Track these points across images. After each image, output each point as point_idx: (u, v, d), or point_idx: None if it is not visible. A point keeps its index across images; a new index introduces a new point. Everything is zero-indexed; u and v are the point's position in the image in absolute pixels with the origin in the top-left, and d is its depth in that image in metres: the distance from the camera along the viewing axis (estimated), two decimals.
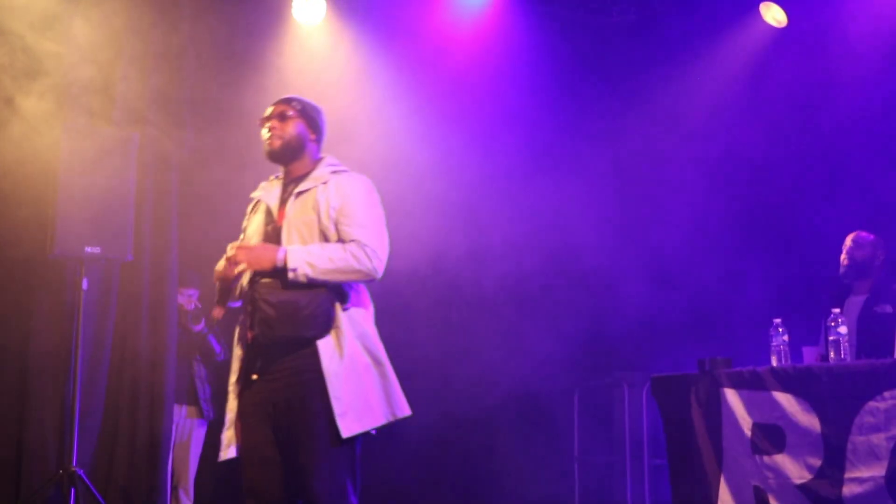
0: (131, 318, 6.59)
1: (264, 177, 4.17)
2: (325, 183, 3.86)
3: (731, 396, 5.45)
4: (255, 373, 3.79)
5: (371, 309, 3.91)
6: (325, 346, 3.69)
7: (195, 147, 6.95)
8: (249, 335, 3.77)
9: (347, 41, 7.77)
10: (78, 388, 5.96)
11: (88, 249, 5.92)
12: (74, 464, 5.81)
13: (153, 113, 6.70)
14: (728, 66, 8.41)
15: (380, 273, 3.77)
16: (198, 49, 6.97)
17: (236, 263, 3.75)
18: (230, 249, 3.79)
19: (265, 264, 3.73)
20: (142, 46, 6.69)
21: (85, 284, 6.02)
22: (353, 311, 3.78)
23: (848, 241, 6.37)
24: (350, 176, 3.92)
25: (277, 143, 3.94)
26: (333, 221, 3.80)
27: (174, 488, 6.90)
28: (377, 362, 3.80)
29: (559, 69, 8.61)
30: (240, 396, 3.87)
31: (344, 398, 3.66)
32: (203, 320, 6.99)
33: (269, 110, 4.01)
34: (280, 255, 3.71)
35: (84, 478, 5.77)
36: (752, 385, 5.34)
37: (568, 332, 8.30)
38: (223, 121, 7.10)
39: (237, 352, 3.93)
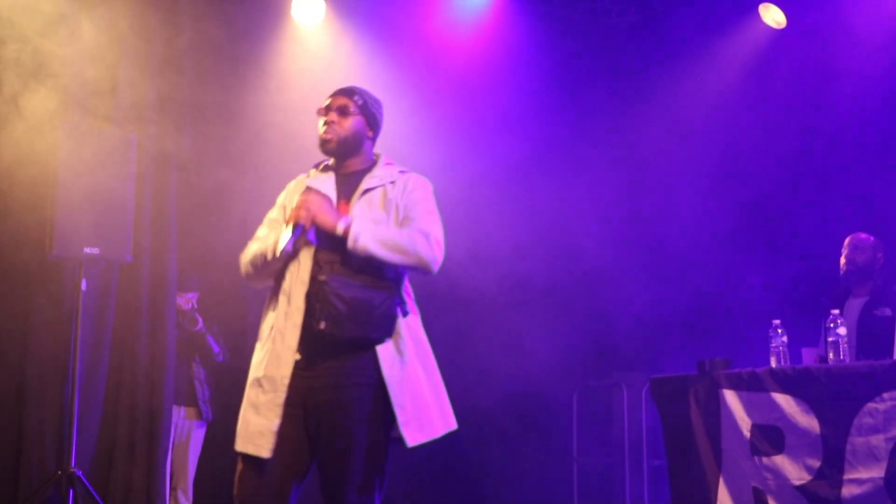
0: (130, 319, 6.61)
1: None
2: (392, 182, 3.76)
3: (731, 398, 5.46)
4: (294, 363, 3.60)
5: (419, 312, 3.79)
6: (386, 351, 3.56)
7: (195, 149, 6.98)
8: (319, 326, 3.50)
9: (347, 42, 7.79)
10: (76, 389, 5.98)
11: (87, 250, 5.94)
12: (73, 465, 5.83)
13: (153, 114, 6.73)
14: (727, 67, 8.44)
15: (437, 265, 3.63)
16: (198, 51, 6.98)
17: (304, 209, 3.57)
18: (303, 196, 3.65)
19: (329, 220, 3.56)
20: (142, 48, 6.70)
21: (84, 285, 6.04)
22: (409, 317, 3.67)
23: (847, 243, 6.39)
24: (415, 176, 3.82)
25: (333, 140, 3.80)
26: (401, 222, 3.71)
27: (173, 489, 6.93)
28: (432, 371, 3.70)
29: (559, 70, 8.64)
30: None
31: (407, 407, 3.53)
32: (200, 321, 7.02)
33: (328, 101, 3.86)
34: (345, 220, 3.56)
35: (83, 479, 5.80)
36: (751, 386, 5.35)
37: (566, 333, 8.31)
38: (224, 123, 7.14)
39: (271, 342, 3.65)
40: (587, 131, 8.75)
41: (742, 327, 7.75)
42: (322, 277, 3.54)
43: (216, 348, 7.08)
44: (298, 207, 3.58)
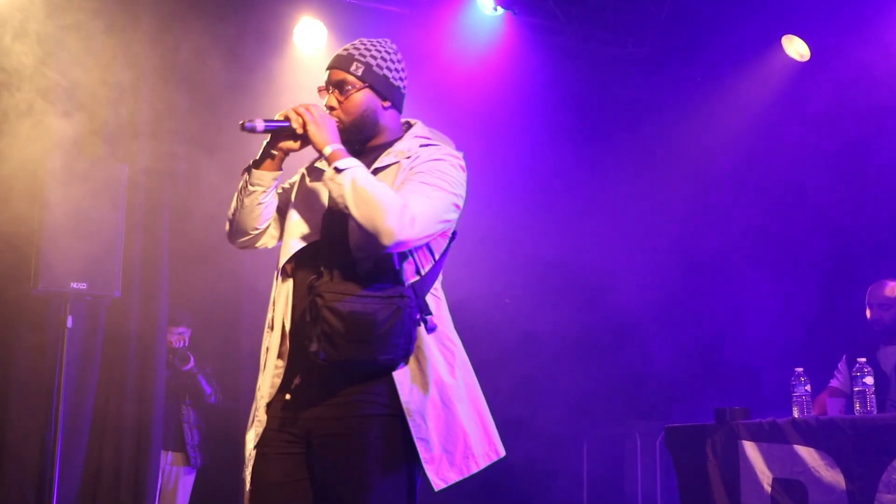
0: (118, 358, 6.56)
1: None
2: (409, 157, 3.14)
3: (750, 449, 5.41)
4: (289, 392, 3.11)
5: (451, 322, 3.23)
6: (404, 374, 3.02)
7: (190, 180, 6.95)
8: (312, 348, 2.94)
9: None
10: (59, 431, 5.90)
11: (74, 285, 5.89)
12: None
13: (146, 144, 6.71)
14: (748, 102, 8.41)
15: (392, 241, 2.89)
16: (194, 80, 7.00)
17: (303, 111, 3.06)
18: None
19: (321, 134, 3.02)
20: (136, 77, 6.71)
21: (70, 322, 5.99)
22: (438, 328, 3.11)
23: (872, 296, 6.28)
24: (440, 149, 3.18)
25: (339, 125, 3.16)
26: None
27: None
28: (471, 391, 3.16)
29: (570, 103, 8.62)
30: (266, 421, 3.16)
31: (433, 440, 3.01)
32: (192, 359, 6.96)
33: (326, 73, 3.27)
34: (336, 145, 3.02)
35: None
36: (772, 437, 5.31)
37: (576, 379, 8.27)
38: (220, 153, 7.11)
39: (271, 365, 3.17)
40: (602, 169, 8.72)
41: (762, 374, 7.69)
42: (315, 289, 2.98)
43: (208, 389, 7.01)
44: (300, 106, 3.09)
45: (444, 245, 3.20)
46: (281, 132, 3.14)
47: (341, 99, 3.20)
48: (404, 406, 3.00)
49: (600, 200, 8.68)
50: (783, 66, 8.19)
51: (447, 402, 3.06)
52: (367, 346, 2.93)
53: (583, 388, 8.30)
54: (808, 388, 5.44)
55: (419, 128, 3.31)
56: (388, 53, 3.26)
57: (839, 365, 6.25)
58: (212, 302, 7.20)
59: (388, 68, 3.24)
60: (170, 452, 6.93)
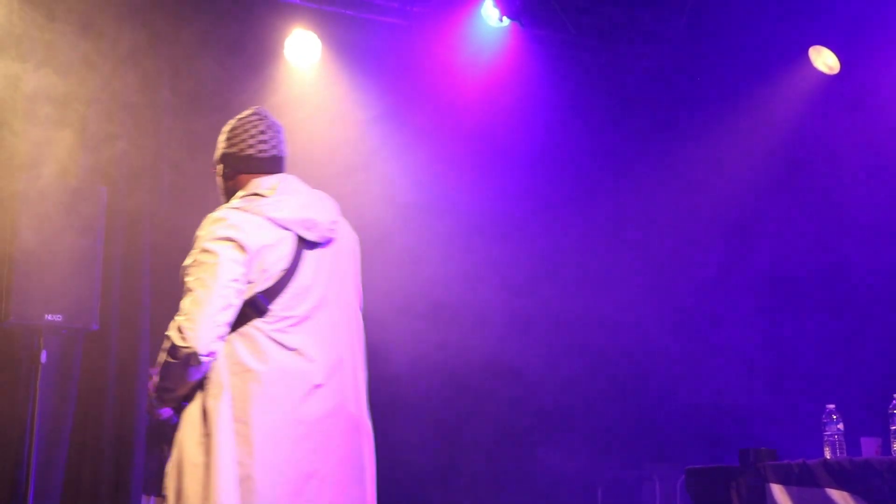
0: (95, 395, 6.55)
1: None
2: None
3: (779, 493, 5.37)
4: None
5: None
6: None
7: (172, 203, 6.91)
8: None
9: (343, 81, 7.80)
10: (32, 473, 5.90)
11: (49, 317, 5.88)
12: None
13: (125, 165, 6.69)
14: (773, 118, 8.38)
15: (187, 353, 3.21)
16: (172, 101, 7.01)
17: None
18: None
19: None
20: (114, 93, 6.71)
21: (44, 357, 5.99)
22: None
23: None
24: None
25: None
26: None
27: None
28: None
29: (582, 117, 8.60)
30: None
31: None
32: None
33: None
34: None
35: None
36: (802, 481, 5.25)
37: (590, 420, 8.22)
38: (209, 174, 7.08)
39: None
40: (617, 197, 8.71)
41: (791, 412, 7.64)
42: None
43: None
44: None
45: None
46: None
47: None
48: None
49: (615, 231, 8.64)
50: (810, 80, 8.16)
51: None
52: None
53: (596, 429, 8.25)
54: (840, 426, 5.39)
55: (247, 192, 3.61)
56: (226, 140, 3.71)
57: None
58: None
59: (226, 146, 3.71)
60: (152, 497, 6.87)
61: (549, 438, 8.20)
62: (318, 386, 3.37)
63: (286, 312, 3.37)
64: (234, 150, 3.65)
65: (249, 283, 3.33)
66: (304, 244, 3.47)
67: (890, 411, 5.23)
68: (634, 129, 8.74)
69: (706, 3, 8.02)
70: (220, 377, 3.30)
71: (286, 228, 3.43)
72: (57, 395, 6.33)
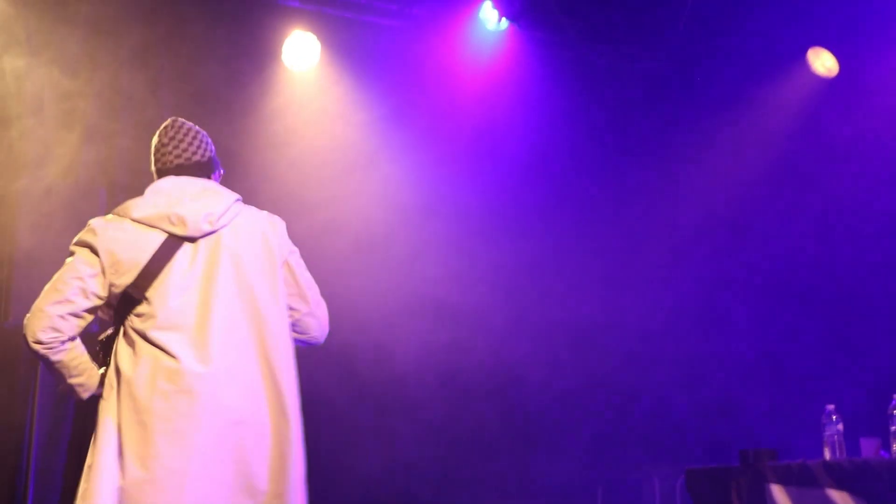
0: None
1: None
2: None
3: (778, 493, 5.37)
4: None
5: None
6: None
7: None
8: None
9: (343, 83, 7.81)
10: (32, 469, 5.90)
11: None
12: None
13: (124, 166, 6.69)
14: (772, 119, 8.40)
15: (24, 335, 3.58)
16: (175, 103, 7.01)
17: None
18: None
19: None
20: (113, 97, 6.73)
21: None
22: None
23: None
24: None
25: None
26: None
27: None
28: None
29: (582, 118, 8.62)
30: None
31: None
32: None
33: None
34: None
35: None
36: (802, 481, 5.26)
37: (590, 421, 8.24)
38: None
39: None
40: (617, 202, 8.72)
41: (790, 412, 7.66)
42: None
43: None
44: None
45: None
46: None
47: None
48: None
49: (614, 235, 8.66)
50: (809, 82, 8.19)
51: None
52: None
53: (596, 430, 8.26)
54: (839, 426, 5.40)
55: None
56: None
57: None
58: None
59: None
60: None
61: (549, 438, 8.21)
62: (190, 382, 3.39)
63: (158, 310, 3.46)
64: (153, 168, 3.86)
65: (112, 285, 3.51)
66: (179, 240, 3.55)
67: (890, 411, 5.23)
68: (633, 130, 8.76)
69: (705, 5, 8.04)
70: (111, 377, 3.54)
71: (152, 226, 3.55)
72: (56, 397, 6.34)
